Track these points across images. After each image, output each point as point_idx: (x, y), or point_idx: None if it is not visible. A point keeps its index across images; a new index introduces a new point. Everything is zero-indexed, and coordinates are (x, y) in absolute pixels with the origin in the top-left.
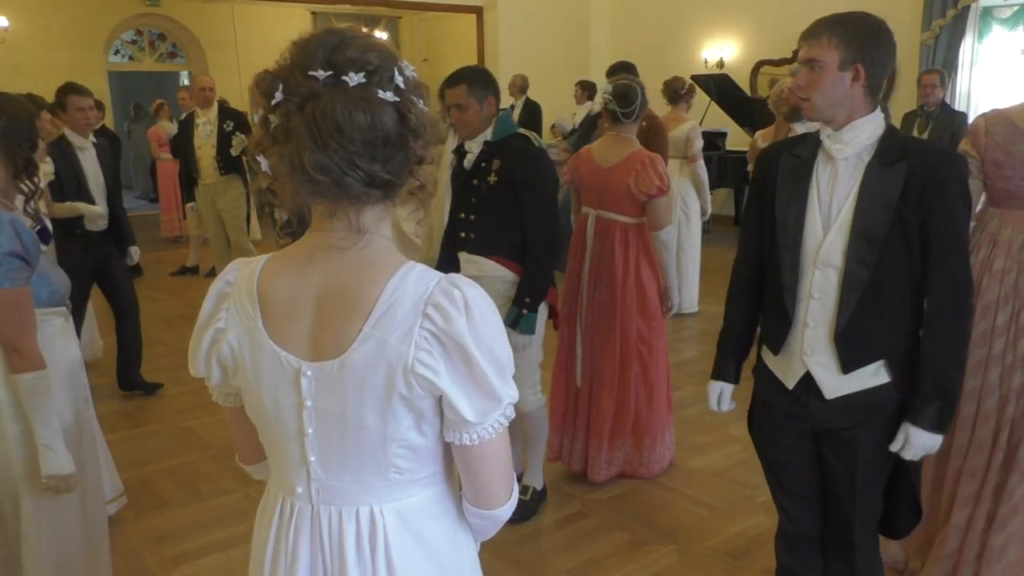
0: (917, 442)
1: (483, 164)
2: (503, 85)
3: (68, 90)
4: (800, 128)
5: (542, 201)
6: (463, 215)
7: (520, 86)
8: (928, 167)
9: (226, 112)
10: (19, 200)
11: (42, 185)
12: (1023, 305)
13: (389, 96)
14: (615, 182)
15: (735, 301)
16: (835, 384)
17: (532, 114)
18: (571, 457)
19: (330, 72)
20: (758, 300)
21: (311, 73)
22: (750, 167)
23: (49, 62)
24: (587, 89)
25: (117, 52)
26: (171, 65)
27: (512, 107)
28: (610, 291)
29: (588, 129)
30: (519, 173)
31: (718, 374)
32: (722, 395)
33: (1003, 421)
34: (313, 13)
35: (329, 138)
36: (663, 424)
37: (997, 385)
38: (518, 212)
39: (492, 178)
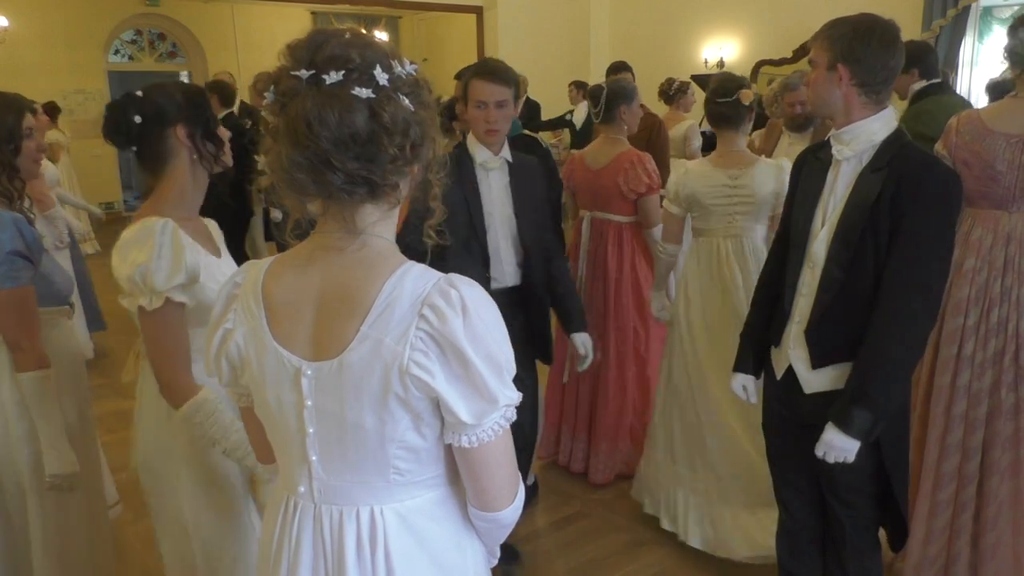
0: (827, 438)
1: None
2: None
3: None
4: (796, 138)
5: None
6: None
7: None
8: (902, 174)
9: (245, 111)
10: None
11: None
12: (993, 305)
13: (364, 93)
14: (605, 182)
15: (758, 297)
16: (811, 379)
17: (532, 113)
18: (571, 458)
19: (312, 71)
20: (778, 297)
21: (293, 73)
22: None
23: (49, 62)
24: (581, 88)
25: (117, 52)
26: (171, 65)
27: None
28: (605, 290)
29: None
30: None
31: (738, 366)
32: (746, 387)
33: (976, 423)
34: (313, 13)
35: (301, 135)
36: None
37: (967, 388)
38: None
39: None
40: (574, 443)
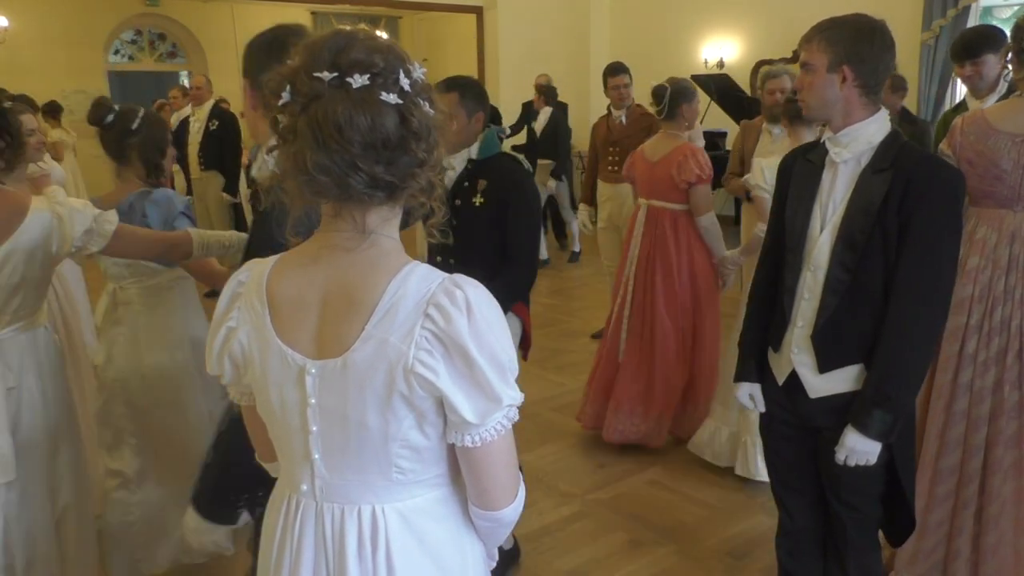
0: (849, 443)
1: (466, 183)
2: (505, 85)
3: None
4: (778, 135)
5: (531, 228)
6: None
7: (545, 86)
8: (911, 176)
9: (214, 112)
10: None
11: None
12: (997, 303)
13: (392, 98)
14: (661, 173)
15: (753, 303)
16: (817, 384)
17: (564, 115)
18: (621, 429)
19: (335, 74)
20: (774, 302)
21: (316, 75)
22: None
23: (49, 62)
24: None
25: (117, 52)
26: (171, 65)
27: (537, 111)
28: (664, 272)
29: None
30: (510, 197)
31: (741, 375)
32: (753, 395)
33: (978, 421)
34: (313, 13)
35: (330, 139)
36: (709, 394)
37: (969, 385)
38: (499, 236)
39: (478, 199)
40: (631, 416)
